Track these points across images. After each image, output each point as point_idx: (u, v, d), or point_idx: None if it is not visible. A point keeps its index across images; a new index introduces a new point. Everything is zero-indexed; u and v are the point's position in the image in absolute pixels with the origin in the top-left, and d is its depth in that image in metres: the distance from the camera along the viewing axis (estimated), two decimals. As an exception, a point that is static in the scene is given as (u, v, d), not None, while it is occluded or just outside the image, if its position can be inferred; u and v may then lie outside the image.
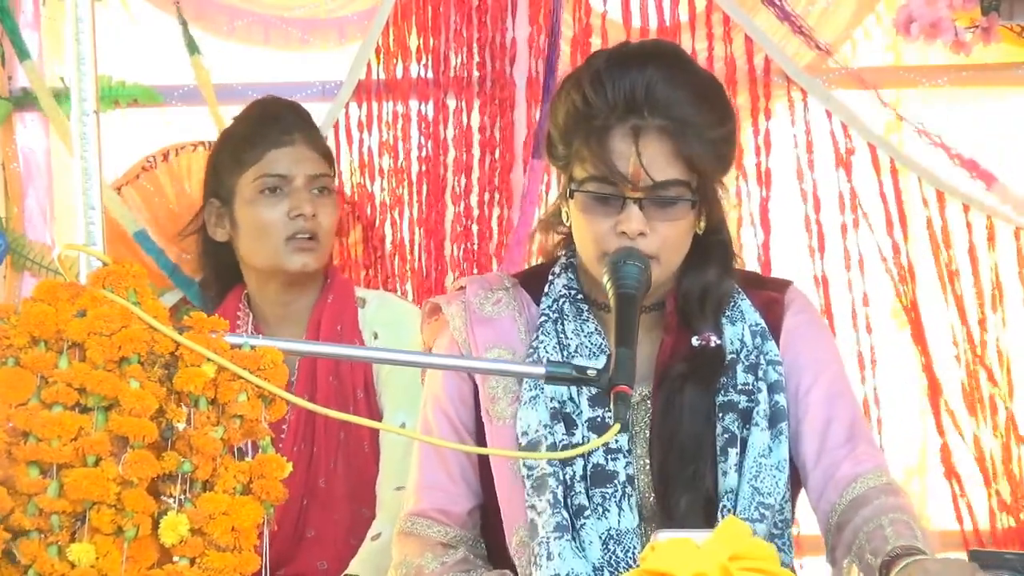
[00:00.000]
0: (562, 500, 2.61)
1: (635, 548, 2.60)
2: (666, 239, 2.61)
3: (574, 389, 2.66)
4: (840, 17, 3.89)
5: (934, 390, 3.90)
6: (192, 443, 2.12)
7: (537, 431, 2.64)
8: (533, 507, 2.62)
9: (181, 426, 2.12)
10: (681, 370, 2.68)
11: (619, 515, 2.61)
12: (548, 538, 2.59)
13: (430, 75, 3.90)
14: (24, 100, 3.87)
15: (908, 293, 3.90)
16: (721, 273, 2.72)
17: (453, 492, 2.74)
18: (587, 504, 2.61)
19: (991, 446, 3.89)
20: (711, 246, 2.71)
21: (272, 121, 3.57)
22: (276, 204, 3.53)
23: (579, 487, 2.62)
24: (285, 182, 3.54)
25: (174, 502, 2.11)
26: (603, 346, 2.68)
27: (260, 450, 2.18)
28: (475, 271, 3.88)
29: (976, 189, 3.91)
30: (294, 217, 3.52)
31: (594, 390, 2.63)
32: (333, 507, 3.51)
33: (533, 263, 2.99)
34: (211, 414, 2.14)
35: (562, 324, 2.71)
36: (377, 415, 3.49)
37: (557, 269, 2.76)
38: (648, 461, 2.67)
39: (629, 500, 2.62)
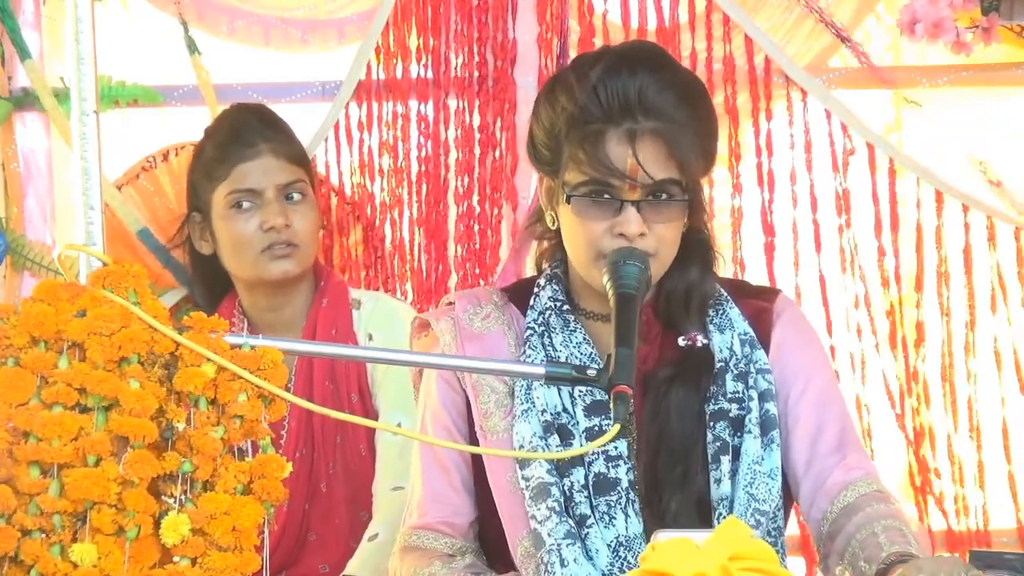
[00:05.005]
0: (564, 510, 2.60)
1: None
2: (662, 239, 2.61)
3: (568, 400, 2.65)
4: (839, 19, 3.88)
5: (903, 393, 3.91)
6: (192, 443, 2.12)
7: (531, 443, 2.63)
8: (534, 517, 2.61)
9: (181, 426, 2.13)
10: (668, 373, 2.68)
11: (626, 521, 2.61)
12: (559, 544, 2.58)
13: (430, 75, 3.90)
14: (24, 100, 3.86)
15: (896, 295, 3.90)
16: (703, 271, 2.72)
17: (458, 504, 2.73)
18: (590, 513, 2.61)
19: (968, 449, 3.90)
20: (692, 245, 2.70)
21: (237, 134, 3.56)
22: (249, 218, 3.53)
23: (579, 497, 2.61)
24: (255, 195, 3.53)
25: (175, 502, 2.11)
26: (593, 355, 2.67)
27: (260, 450, 2.18)
28: (478, 272, 3.88)
29: (976, 189, 3.91)
30: (267, 230, 3.51)
31: (589, 400, 2.64)
32: (333, 510, 3.51)
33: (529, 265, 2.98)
34: (211, 414, 2.14)
35: (549, 336, 2.70)
36: (372, 418, 3.48)
37: (542, 281, 2.75)
38: (638, 465, 2.66)
39: (633, 506, 2.62)
